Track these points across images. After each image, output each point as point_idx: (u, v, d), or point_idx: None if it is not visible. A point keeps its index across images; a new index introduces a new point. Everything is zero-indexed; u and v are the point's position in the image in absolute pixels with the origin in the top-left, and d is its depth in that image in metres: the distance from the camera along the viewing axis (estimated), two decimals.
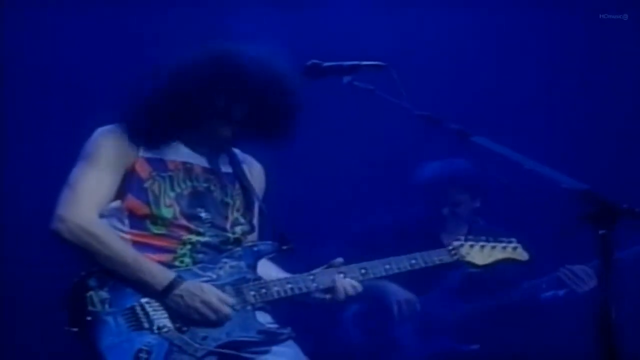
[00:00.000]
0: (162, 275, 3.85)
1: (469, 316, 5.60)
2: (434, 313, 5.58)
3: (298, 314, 4.20)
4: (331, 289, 4.05)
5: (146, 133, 3.99)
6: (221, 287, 3.93)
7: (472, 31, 6.14)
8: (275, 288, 4.00)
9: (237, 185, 4.16)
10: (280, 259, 4.15)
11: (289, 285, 4.02)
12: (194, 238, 3.97)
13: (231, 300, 3.90)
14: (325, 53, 3.92)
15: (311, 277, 4.06)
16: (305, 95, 4.02)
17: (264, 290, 3.98)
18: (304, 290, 4.03)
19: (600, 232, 3.27)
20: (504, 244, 4.44)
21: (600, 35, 6.18)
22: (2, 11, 5.79)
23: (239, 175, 4.18)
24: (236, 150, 4.25)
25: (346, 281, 4.06)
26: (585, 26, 6.18)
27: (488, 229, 5.41)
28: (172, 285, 3.84)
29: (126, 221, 3.95)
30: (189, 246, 3.96)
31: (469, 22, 6.14)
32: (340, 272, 4.09)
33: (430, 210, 5.69)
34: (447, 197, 5.67)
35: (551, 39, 6.24)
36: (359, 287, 4.09)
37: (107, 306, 3.82)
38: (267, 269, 4.12)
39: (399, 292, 5.47)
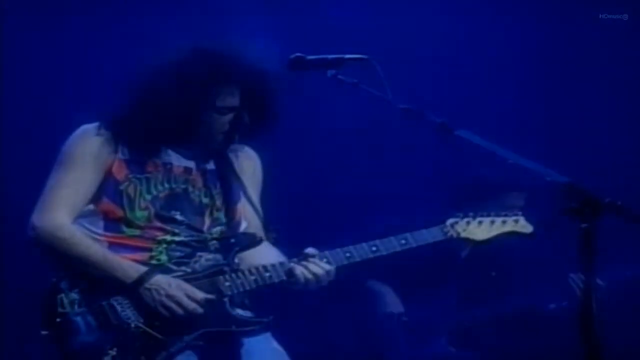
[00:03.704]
0: (132, 270, 3.86)
1: (468, 323, 5.57)
2: (432, 318, 5.56)
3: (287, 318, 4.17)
4: (293, 277, 3.96)
5: (132, 138, 3.97)
6: (196, 281, 3.91)
7: (469, 30, 6.14)
8: (253, 277, 3.96)
9: (219, 184, 4.10)
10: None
11: (267, 274, 3.97)
12: (169, 238, 3.95)
13: (201, 295, 3.87)
14: (314, 49, 3.92)
15: (291, 264, 3.99)
16: (289, 88, 4.01)
17: (240, 281, 3.94)
18: (284, 278, 3.97)
19: (583, 225, 3.26)
20: (503, 218, 4.18)
21: (600, 35, 6.15)
22: (2, 11, 5.82)
23: (222, 173, 4.11)
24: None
25: (314, 267, 3.96)
26: (585, 26, 6.15)
27: None
28: (142, 278, 3.84)
29: (101, 224, 3.94)
30: (164, 245, 3.95)
31: (465, 20, 6.14)
32: (324, 258, 3.99)
33: None
34: (507, 200, 5.45)
35: (550, 38, 6.22)
36: (332, 271, 3.97)
37: (76, 307, 3.83)
38: (267, 254, 4.07)
39: (392, 304, 5.46)
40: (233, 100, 4.00)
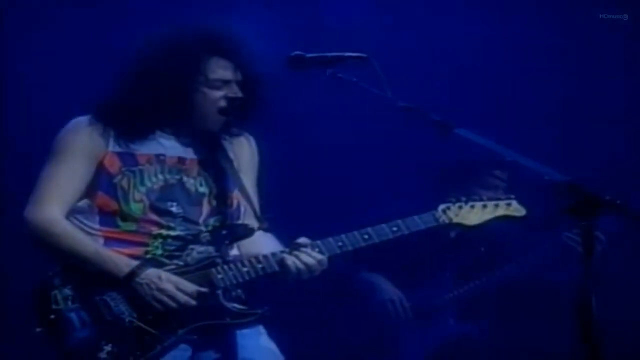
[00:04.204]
0: (123, 264, 3.85)
1: (466, 299, 5.57)
2: (429, 303, 5.56)
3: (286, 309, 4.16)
4: (285, 267, 3.93)
5: (124, 122, 3.96)
6: (188, 274, 3.90)
7: (468, 30, 6.14)
8: (245, 269, 3.93)
9: (214, 172, 4.06)
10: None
11: (260, 266, 3.94)
12: (165, 232, 3.93)
13: (192, 288, 3.86)
14: (313, 47, 3.93)
15: (282, 255, 3.94)
16: (289, 86, 4.02)
17: (232, 273, 3.92)
18: (276, 269, 3.94)
19: (582, 223, 3.26)
20: (495, 202, 4.15)
21: (600, 35, 6.16)
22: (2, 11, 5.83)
23: (216, 161, 4.07)
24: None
25: (305, 257, 3.91)
26: (585, 26, 6.16)
27: None
28: (133, 272, 3.83)
29: (97, 218, 3.94)
30: (160, 240, 3.93)
31: (465, 21, 6.15)
32: (316, 247, 3.95)
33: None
34: (489, 180, 5.62)
35: (550, 38, 6.22)
36: (324, 260, 3.93)
37: (69, 303, 3.84)
38: (264, 243, 4.04)
39: (390, 291, 5.46)
40: (226, 73, 3.98)
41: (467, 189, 5.57)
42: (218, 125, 4.03)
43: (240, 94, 3.99)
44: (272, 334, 4.06)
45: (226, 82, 3.98)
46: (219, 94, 3.98)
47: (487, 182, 5.62)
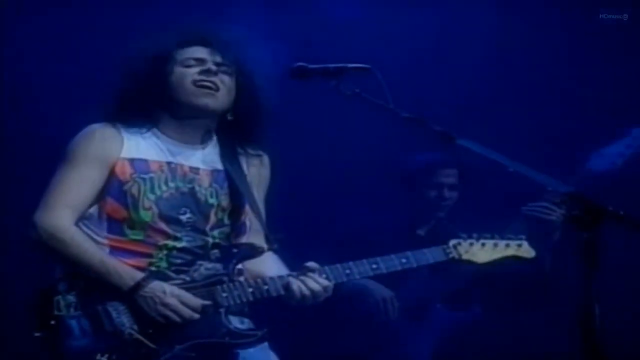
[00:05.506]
0: (129, 276, 3.84)
1: (456, 288, 5.59)
2: (418, 297, 5.56)
3: (284, 318, 4.15)
4: (289, 291, 3.94)
5: (126, 117, 4.01)
6: (194, 290, 3.89)
7: (468, 30, 6.15)
8: (250, 289, 3.94)
9: (226, 184, 4.08)
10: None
11: (266, 287, 3.95)
12: (171, 243, 3.94)
13: (196, 303, 3.86)
14: (316, 54, 3.93)
15: (289, 278, 3.96)
16: (292, 97, 4.02)
17: (237, 292, 3.92)
18: (282, 292, 3.95)
19: (585, 234, 3.26)
20: (506, 242, 4.23)
21: (600, 35, 6.16)
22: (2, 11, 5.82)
23: (229, 173, 4.09)
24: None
25: (311, 282, 3.93)
26: (585, 26, 6.16)
27: (450, 228, 5.41)
28: (138, 286, 3.82)
29: (105, 225, 3.94)
30: (165, 251, 3.93)
31: (464, 21, 6.16)
32: (323, 273, 3.96)
33: (415, 195, 5.68)
34: (434, 179, 5.68)
35: (550, 38, 6.23)
36: (330, 287, 3.95)
37: (72, 310, 3.83)
38: (270, 264, 4.05)
39: (380, 290, 5.46)
40: (198, 54, 4.04)
41: (422, 190, 5.64)
42: (203, 99, 4.01)
43: (214, 67, 4.01)
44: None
45: (200, 61, 4.03)
46: (193, 70, 4.02)
47: (440, 181, 5.66)
